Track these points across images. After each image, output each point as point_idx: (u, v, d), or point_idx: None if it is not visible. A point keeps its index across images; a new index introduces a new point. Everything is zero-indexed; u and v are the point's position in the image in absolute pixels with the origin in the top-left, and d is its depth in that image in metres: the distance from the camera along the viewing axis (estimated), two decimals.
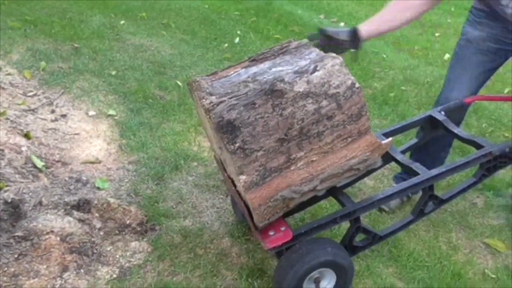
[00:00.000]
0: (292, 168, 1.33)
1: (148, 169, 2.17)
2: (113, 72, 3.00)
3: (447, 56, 4.20)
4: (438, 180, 1.66)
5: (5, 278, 1.49)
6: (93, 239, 1.71)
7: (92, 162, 2.14)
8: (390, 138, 1.51)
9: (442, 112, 1.86)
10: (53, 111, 2.45)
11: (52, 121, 2.37)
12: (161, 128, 2.49)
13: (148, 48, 3.47)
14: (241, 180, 1.27)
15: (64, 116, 2.44)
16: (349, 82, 1.32)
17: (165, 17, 4.19)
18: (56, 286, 1.53)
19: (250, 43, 3.91)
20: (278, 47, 1.45)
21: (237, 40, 3.92)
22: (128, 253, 1.71)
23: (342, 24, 5.03)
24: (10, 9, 3.66)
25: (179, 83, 3.00)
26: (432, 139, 1.97)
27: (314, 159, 1.35)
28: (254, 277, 1.69)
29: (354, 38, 1.69)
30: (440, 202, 1.72)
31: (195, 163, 2.27)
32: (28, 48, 3.08)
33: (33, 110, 2.39)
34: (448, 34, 4.88)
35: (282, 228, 1.43)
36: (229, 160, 1.32)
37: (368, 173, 1.56)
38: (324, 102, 1.30)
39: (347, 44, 1.69)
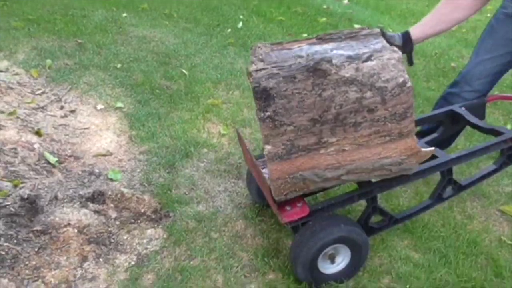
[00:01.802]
0: (321, 152, 1.31)
1: (159, 158, 2.19)
2: (119, 65, 3.01)
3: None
4: (457, 164, 1.65)
5: (27, 271, 1.53)
6: (109, 229, 1.75)
7: (103, 155, 2.17)
8: (433, 148, 1.46)
9: (463, 108, 1.87)
10: (62, 107, 2.48)
11: (62, 117, 2.40)
12: (169, 118, 2.51)
13: (152, 39, 3.47)
14: (266, 149, 1.27)
15: (73, 111, 2.47)
16: (401, 79, 1.26)
17: (166, 7, 4.17)
18: (77, 276, 1.57)
19: (253, 27, 3.88)
20: (348, 31, 1.39)
21: (240, 24, 3.89)
22: (144, 241, 1.74)
23: (345, 1, 4.94)
24: (12, 9, 3.69)
25: (184, 71, 3.00)
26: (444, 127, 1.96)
27: (346, 148, 1.31)
28: (270, 256, 1.71)
29: (406, 42, 1.70)
30: (459, 188, 1.72)
31: (205, 150, 2.28)
32: (33, 47, 3.10)
33: (42, 107, 2.43)
34: None
35: (299, 204, 1.45)
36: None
37: (402, 181, 1.52)
38: (368, 94, 1.25)
39: (401, 49, 1.65)
